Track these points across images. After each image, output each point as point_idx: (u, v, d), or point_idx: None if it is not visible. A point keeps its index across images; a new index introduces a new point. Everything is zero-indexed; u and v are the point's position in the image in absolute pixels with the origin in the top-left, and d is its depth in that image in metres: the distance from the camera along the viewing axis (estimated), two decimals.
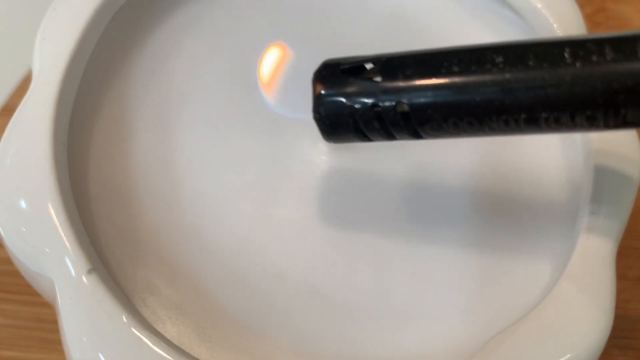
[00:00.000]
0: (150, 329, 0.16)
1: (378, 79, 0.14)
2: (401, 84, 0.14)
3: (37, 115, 0.17)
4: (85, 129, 0.19)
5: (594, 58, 0.12)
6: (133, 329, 0.15)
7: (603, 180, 0.17)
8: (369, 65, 0.15)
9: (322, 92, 0.15)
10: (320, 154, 0.19)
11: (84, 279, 0.15)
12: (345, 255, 0.18)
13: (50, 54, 0.18)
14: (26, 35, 0.19)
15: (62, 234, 0.16)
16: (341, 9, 0.21)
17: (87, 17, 0.18)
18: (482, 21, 0.21)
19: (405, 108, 0.14)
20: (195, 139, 0.19)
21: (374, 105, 0.14)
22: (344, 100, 0.15)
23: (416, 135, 0.15)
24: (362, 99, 0.15)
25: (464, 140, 0.19)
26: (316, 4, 0.21)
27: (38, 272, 0.16)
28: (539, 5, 0.19)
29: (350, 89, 0.15)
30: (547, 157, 0.19)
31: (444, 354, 0.17)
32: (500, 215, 0.19)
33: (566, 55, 0.13)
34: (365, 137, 0.15)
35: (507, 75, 0.13)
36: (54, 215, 0.16)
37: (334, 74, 0.15)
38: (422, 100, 0.14)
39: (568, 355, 0.15)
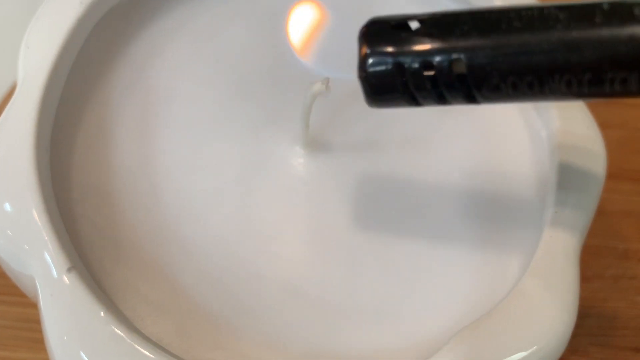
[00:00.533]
0: (129, 327, 0.16)
1: (431, 36, 0.13)
2: (458, 40, 0.13)
3: (20, 121, 0.17)
4: (68, 133, 0.19)
5: None
6: (113, 327, 0.16)
7: (568, 175, 0.18)
8: (417, 24, 0.14)
9: (370, 48, 0.14)
10: (297, 157, 0.20)
11: (64, 277, 0.16)
12: (321, 255, 0.19)
13: (34, 62, 0.18)
14: (13, 45, 0.19)
15: (44, 234, 0.16)
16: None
17: (69, 26, 0.19)
18: None
19: (462, 67, 0.13)
20: (175, 143, 0.20)
21: (427, 63, 0.14)
22: (394, 57, 0.14)
23: (471, 98, 0.14)
24: (414, 57, 0.14)
25: (435, 141, 0.20)
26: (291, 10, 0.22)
27: (21, 271, 0.17)
28: None
29: (402, 46, 0.14)
30: (517, 152, 0.20)
31: (415, 348, 0.17)
32: (470, 212, 0.19)
33: (637, 12, 0.12)
34: (414, 100, 0.14)
35: (573, 31, 0.13)
36: (37, 217, 0.17)
37: (383, 30, 0.14)
38: (481, 57, 0.13)
39: (534, 347, 0.16)
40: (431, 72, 0.14)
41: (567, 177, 0.18)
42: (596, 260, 0.25)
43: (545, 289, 0.16)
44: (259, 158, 0.20)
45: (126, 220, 0.19)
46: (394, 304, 0.18)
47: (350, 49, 0.15)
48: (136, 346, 0.16)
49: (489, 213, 0.19)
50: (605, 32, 0.12)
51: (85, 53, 0.20)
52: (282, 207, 0.19)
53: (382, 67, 0.14)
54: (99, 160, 0.19)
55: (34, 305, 0.17)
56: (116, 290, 0.18)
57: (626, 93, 0.13)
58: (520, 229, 0.19)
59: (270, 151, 0.20)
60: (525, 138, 0.20)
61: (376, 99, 0.15)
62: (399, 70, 0.14)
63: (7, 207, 0.17)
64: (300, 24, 0.17)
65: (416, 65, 0.14)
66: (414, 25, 0.14)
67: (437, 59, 0.13)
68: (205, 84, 0.21)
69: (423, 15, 0.14)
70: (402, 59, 0.14)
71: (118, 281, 0.18)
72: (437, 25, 0.14)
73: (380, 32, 0.14)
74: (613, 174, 0.19)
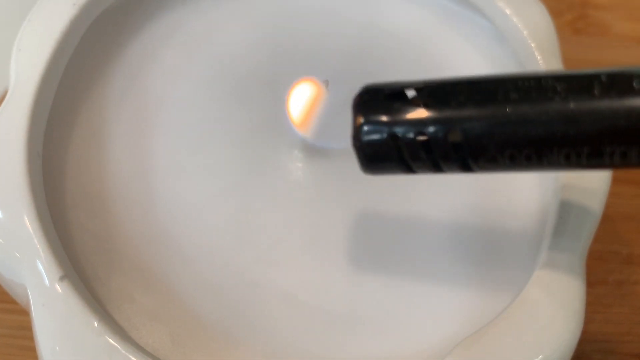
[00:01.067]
0: (124, 337, 0.16)
1: (427, 105, 0.13)
2: (454, 111, 0.13)
3: (11, 126, 0.17)
4: (61, 138, 0.19)
5: None
6: (107, 337, 0.15)
7: (570, 187, 0.17)
8: (413, 92, 0.14)
9: (364, 118, 0.14)
10: (295, 162, 0.19)
11: (57, 286, 0.16)
12: (320, 262, 0.18)
13: (26, 65, 0.18)
14: (5, 48, 0.19)
15: (36, 241, 0.16)
16: (316, 20, 0.22)
17: (62, 29, 0.18)
18: (454, 27, 0.21)
19: (458, 138, 0.13)
20: (170, 148, 0.19)
21: (422, 134, 0.13)
22: (388, 128, 0.14)
23: (467, 168, 0.14)
24: (409, 127, 0.14)
25: None
26: (291, 14, 0.22)
27: (12, 279, 0.16)
28: (508, 12, 0.20)
29: (396, 116, 0.14)
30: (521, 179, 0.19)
31: (416, 358, 0.17)
32: (475, 223, 0.19)
33: (635, 84, 0.12)
34: (408, 168, 0.14)
35: (571, 103, 0.12)
36: (28, 224, 0.16)
37: (376, 99, 0.14)
38: (478, 129, 0.13)
39: (540, 356, 0.16)
40: (426, 142, 0.14)
41: (569, 185, 0.17)
42: (599, 265, 0.25)
43: (550, 296, 0.16)
44: (256, 163, 0.19)
45: (121, 226, 0.18)
46: (395, 312, 0.18)
47: (346, 119, 0.15)
48: (131, 357, 0.15)
49: (494, 222, 0.19)
50: (604, 104, 0.12)
51: (79, 56, 0.19)
52: (281, 213, 0.19)
53: (377, 137, 0.14)
54: (92, 165, 0.19)
55: (27, 313, 0.16)
56: (110, 299, 0.17)
57: (626, 165, 0.13)
58: (524, 240, 0.18)
59: (267, 156, 0.19)
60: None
61: (371, 167, 0.15)
62: (394, 140, 0.14)
63: None
64: (299, 101, 0.18)
65: (411, 135, 0.14)
66: (409, 94, 0.14)
67: (433, 129, 0.13)
68: (201, 88, 0.20)
69: (417, 83, 0.14)
70: (396, 129, 0.14)
71: (112, 290, 0.17)
72: (432, 95, 0.13)
73: (373, 101, 0.14)
74: (616, 177, 0.19)
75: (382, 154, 0.14)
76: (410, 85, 0.14)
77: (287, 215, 0.19)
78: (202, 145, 0.19)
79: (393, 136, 0.14)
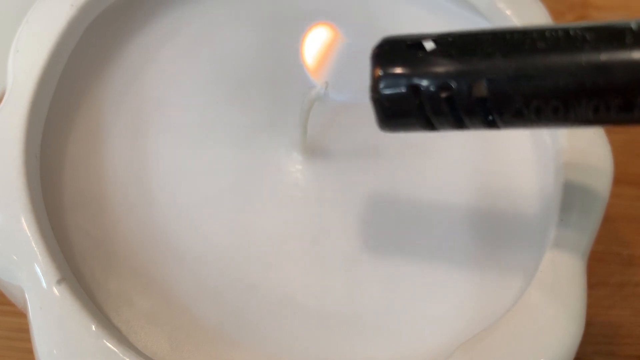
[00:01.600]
0: (122, 340, 0.16)
1: (450, 56, 0.13)
2: (480, 62, 0.13)
3: (9, 128, 0.17)
4: (59, 139, 0.19)
5: None
6: (105, 341, 0.15)
7: (573, 188, 0.17)
8: (434, 44, 0.13)
9: (384, 68, 0.13)
10: (294, 163, 0.19)
11: (54, 289, 0.16)
12: (320, 264, 0.18)
13: (23, 66, 0.18)
14: (3, 49, 0.19)
15: (33, 244, 0.16)
16: (314, 20, 0.21)
17: (60, 29, 0.18)
18: (454, 28, 0.21)
19: (483, 90, 0.13)
20: (170, 149, 0.19)
21: (445, 86, 0.13)
22: (409, 79, 0.13)
23: (491, 123, 0.13)
24: (431, 79, 0.13)
25: (436, 148, 0.20)
26: (291, 15, 0.21)
27: (9, 281, 0.16)
28: (508, 12, 0.19)
29: (419, 66, 0.13)
30: (521, 169, 0.19)
31: None
32: (474, 225, 0.19)
33: None
34: (429, 124, 0.13)
35: (602, 53, 0.12)
36: (26, 227, 0.16)
37: (398, 49, 0.13)
38: (503, 79, 0.12)
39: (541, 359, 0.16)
40: (449, 96, 0.13)
41: (572, 187, 0.17)
42: (600, 266, 0.25)
43: (551, 300, 0.16)
44: (255, 164, 0.19)
45: (119, 228, 0.18)
46: (394, 315, 0.17)
47: (363, 71, 0.14)
48: None
49: (492, 224, 0.19)
50: (636, 53, 0.12)
51: (77, 57, 0.19)
52: (280, 215, 0.19)
53: (397, 90, 0.13)
54: (91, 167, 0.19)
55: (25, 315, 0.16)
56: (109, 302, 0.17)
57: None
58: (523, 242, 0.18)
59: (267, 157, 0.19)
60: (529, 148, 0.20)
61: (389, 122, 0.14)
62: (415, 93, 0.13)
63: None
64: (314, 45, 0.17)
65: (433, 88, 0.13)
66: (430, 45, 0.13)
67: (457, 81, 0.13)
68: (201, 89, 0.20)
69: (439, 34, 0.13)
70: (418, 81, 0.13)
71: (111, 292, 0.17)
72: (455, 45, 0.13)
73: (394, 52, 0.13)
74: (617, 178, 0.19)
75: (402, 108, 0.13)
76: (433, 36, 0.13)
77: (286, 217, 0.19)
78: (201, 147, 0.19)
79: (414, 89, 0.13)
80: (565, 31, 0.12)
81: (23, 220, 0.16)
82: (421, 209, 0.19)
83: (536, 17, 0.20)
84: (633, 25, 0.12)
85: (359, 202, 0.19)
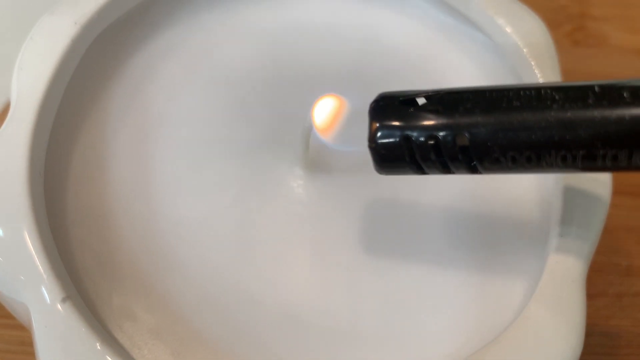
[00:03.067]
0: (126, 358, 0.16)
1: (437, 112, 0.15)
2: (462, 117, 0.14)
3: (13, 146, 0.17)
4: (63, 156, 0.19)
5: None
6: (109, 358, 0.15)
7: (573, 201, 0.17)
8: (424, 100, 0.15)
9: (380, 121, 0.15)
10: (296, 179, 0.19)
11: (59, 307, 0.16)
12: (322, 279, 0.18)
13: (27, 84, 0.18)
14: (7, 64, 0.19)
15: (38, 262, 0.16)
16: (317, 35, 0.22)
17: (64, 47, 0.18)
18: (453, 42, 0.21)
19: (465, 141, 0.14)
20: (172, 164, 0.19)
21: (432, 137, 0.15)
22: (401, 130, 0.15)
23: (473, 169, 0.15)
24: (420, 131, 0.15)
25: None
26: (292, 30, 0.22)
27: (13, 297, 0.16)
28: (508, 30, 0.20)
29: (409, 121, 0.15)
30: (520, 182, 0.19)
31: None
32: (474, 237, 0.19)
33: (625, 95, 0.13)
34: (420, 169, 0.15)
35: (568, 111, 0.14)
36: (30, 244, 0.16)
37: (391, 105, 0.15)
38: (483, 133, 0.14)
39: None
40: (436, 145, 0.15)
41: (572, 202, 0.17)
42: (599, 277, 0.25)
43: (551, 314, 0.16)
44: (257, 180, 0.19)
45: (123, 244, 0.18)
46: (396, 330, 0.18)
47: (361, 127, 0.16)
48: None
49: (492, 236, 0.19)
50: (597, 112, 0.13)
51: (80, 74, 0.19)
52: (282, 230, 0.19)
53: (391, 140, 0.15)
54: (94, 183, 0.19)
55: (27, 328, 0.16)
56: (112, 318, 0.17)
57: (617, 168, 0.14)
58: (524, 256, 0.18)
59: (269, 173, 0.19)
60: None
61: (384, 166, 0.16)
62: (406, 143, 0.15)
63: (0, 232, 0.16)
64: (323, 111, 0.18)
65: (422, 138, 0.15)
66: (420, 101, 0.15)
67: (442, 133, 0.15)
68: (202, 104, 0.20)
69: (428, 91, 0.15)
70: (409, 133, 0.15)
71: (114, 307, 0.17)
72: (442, 102, 0.15)
73: (388, 107, 0.15)
74: (615, 188, 0.19)
75: (395, 155, 0.15)
76: (422, 93, 0.15)
77: (288, 232, 0.19)
78: (203, 162, 0.19)
79: (406, 139, 0.15)
80: (537, 91, 0.14)
81: (27, 238, 0.16)
82: (422, 224, 0.19)
83: (533, 32, 0.20)
84: (596, 88, 0.14)
85: (361, 217, 0.19)
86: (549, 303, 0.16)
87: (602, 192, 0.18)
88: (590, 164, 0.14)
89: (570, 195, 0.18)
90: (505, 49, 0.20)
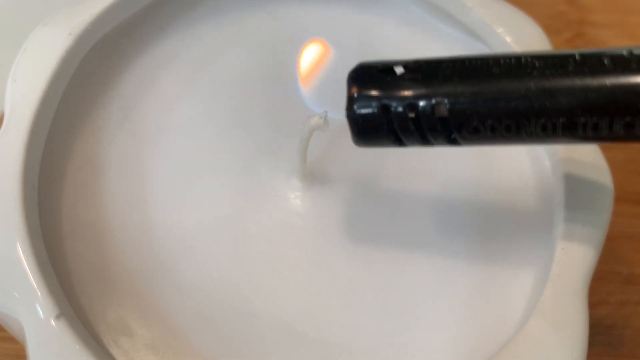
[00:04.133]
0: None
1: (416, 80, 0.14)
2: (441, 85, 0.14)
3: (6, 159, 0.17)
4: (58, 168, 0.19)
5: (634, 66, 0.13)
6: None
7: (574, 215, 0.17)
8: (403, 68, 0.15)
9: (358, 90, 0.15)
10: (293, 190, 0.19)
11: (53, 324, 0.15)
12: (319, 292, 0.18)
13: (21, 96, 0.18)
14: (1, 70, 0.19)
15: (32, 278, 0.16)
16: (316, 44, 0.21)
17: (58, 58, 0.18)
18: (451, 52, 0.21)
19: (444, 110, 0.14)
20: (168, 176, 0.19)
21: (411, 105, 0.14)
22: (380, 100, 0.15)
23: (452, 140, 0.15)
24: (399, 100, 0.14)
25: (434, 170, 0.20)
26: (290, 40, 0.21)
27: (7, 314, 0.16)
28: (508, 39, 0.19)
29: (388, 89, 0.14)
30: (520, 193, 0.19)
31: None
32: (473, 245, 0.19)
33: (606, 62, 0.13)
34: (398, 140, 0.15)
35: (548, 78, 0.13)
36: (24, 260, 0.16)
37: (370, 73, 0.15)
38: (462, 102, 0.14)
39: None
40: (414, 115, 0.14)
41: (573, 213, 0.17)
42: (600, 285, 0.25)
43: (553, 329, 0.16)
44: (254, 191, 0.19)
45: (118, 257, 0.18)
46: (395, 345, 0.17)
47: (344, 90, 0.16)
48: None
49: (492, 245, 0.19)
50: (578, 80, 0.13)
51: (75, 85, 0.19)
52: (279, 242, 0.19)
53: (369, 109, 0.15)
54: (89, 195, 0.19)
55: None
56: (108, 333, 0.17)
57: (598, 138, 0.14)
58: (524, 268, 0.18)
59: (266, 184, 0.19)
60: (529, 170, 0.20)
61: (362, 138, 0.15)
62: (385, 112, 0.15)
63: None
64: (309, 57, 0.18)
65: (400, 108, 0.14)
66: (399, 70, 0.15)
67: (421, 102, 0.14)
68: (199, 115, 0.20)
69: (407, 61, 0.15)
70: (387, 102, 0.14)
71: (109, 322, 0.17)
72: (420, 70, 0.14)
73: (367, 75, 0.15)
74: (615, 196, 0.19)
75: (373, 125, 0.15)
76: (401, 62, 0.15)
77: (285, 244, 0.19)
78: (200, 173, 0.19)
79: (384, 108, 0.15)
80: (517, 59, 0.14)
81: (21, 253, 0.16)
82: (421, 233, 0.19)
83: (533, 42, 0.20)
84: (577, 56, 0.13)
85: (359, 229, 0.19)
86: (550, 318, 0.16)
87: (603, 205, 0.17)
88: (570, 132, 0.14)
89: (571, 208, 0.17)
90: None
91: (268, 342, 0.17)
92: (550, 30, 0.21)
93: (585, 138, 0.14)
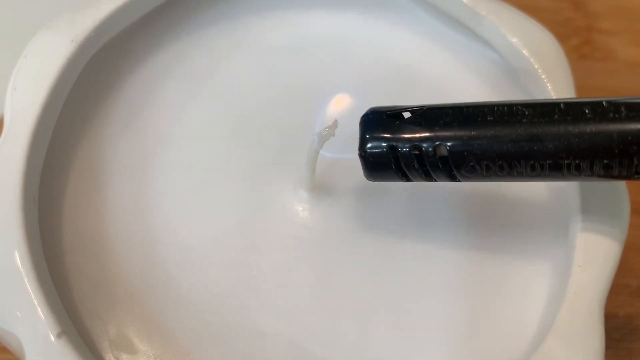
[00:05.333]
0: None
1: (420, 125, 0.16)
2: (442, 130, 0.16)
3: (6, 171, 0.16)
4: (58, 180, 0.18)
5: (611, 115, 0.15)
6: None
7: (589, 235, 0.17)
8: (409, 114, 0.17)
9: (369, 133, 0.17)
10: (301, 202, 0.19)
11: (54, 342, 0.15)
12: (327, 308, 0.18)
13: (21, 105, 0.17)
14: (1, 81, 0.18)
15: (32, 295, 0.15)
16: (322, 51, 0.21)
17: (60, 65, 0.18)
18: (464, 61, 0.21)
19: (444, 151, 0.16)
20: (172, 187, 0.19)
21: (415, 147, 0.16)
22: (388, 141, 0.16)
23: (452, 177, 0.16)
24: (405, 141, 0.16)
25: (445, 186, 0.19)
26: (297, 46, 0.21)
27: (6, 329, 0.15)
28: (521, 48, 0.19)
29: (395, 132, 0.16)
30: (535, 212, 0.19)
31: None
32: (483, 257, 0.18)
33: (587, 111, 0.15)
34: (404, 176, 0.17)
35: (536, 125, 0.15)
36: (24, 276, 0.15)
37: (380, 118, 0.17)
38: (460, 144, 0.16)
39: None
40: (419, 154, 0.16)
41: (590, 223, 0.17)
42: (609, 298, 0.24)
43: (570, 350, 0.15)
44: (260, 203, 0.19)
45: (120, 271, 0.17)
46: None
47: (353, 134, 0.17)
48: None
49: (506, 258, 0.18)
50: (562, 127, 0.15)
51: (77, 94, 0.19)
52: (286, 256, 0.18)
53: (378, 149, 0.17)
54: (91, 207, 0.18)
55: None
56: (110, 349, 0.17)
57: (581, 177, 0.15)
58: (537, 277, 0.18)
59: (273, 195, 0.19)
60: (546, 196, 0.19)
61: (373, 173, 0.17)
62: (392, 152, 0.16)
63: None
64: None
65: (406, 148, 0.16)
66: (406, 114, 0.17)
67: (424, 144, 0.16)
68: (204, 123, 0.20)
69: (413, 106, 0.17)
70: (394, 143, 0.16)
71: (112, 338, 0.17)
72: (424, 116, 0.16)
73: (377, 120, 0.17)
74: None
75: (382, 162, 0.17)
76: (407, 108, 0.17)
77: (292, 258, 0.18)
78: (204, 184, 0.19)
79: (392, 148, 0.16)
80: (510, 107, 0.16)
81: (21, 269, 0.15)
82: (430, 245, 0.18)
83: (546, 51, 0.19)
84: (561, 105, 0.15)
85: (368, 242, 0.18)
86: (566, 338, 0.16)
87: (619, 224, 0.17)
88: (556, 172, 0.15)
89: (587, 228, 0.17)
90: (517, 66, 0.20)
91: (273, 359, 0.17)
92: (558, 37, 0.21)
93: (570, 177, 0.16)
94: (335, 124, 0.17)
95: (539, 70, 0.19)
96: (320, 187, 0.19)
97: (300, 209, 0.19)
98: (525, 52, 0.19)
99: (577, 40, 0.31)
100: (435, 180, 0.17)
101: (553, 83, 0.19)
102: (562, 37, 0.30)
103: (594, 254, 0.17)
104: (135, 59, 0.20)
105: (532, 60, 0.19)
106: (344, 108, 0.19)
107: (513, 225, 0.19)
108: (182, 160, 0.19)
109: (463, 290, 0.18)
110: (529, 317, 0.17)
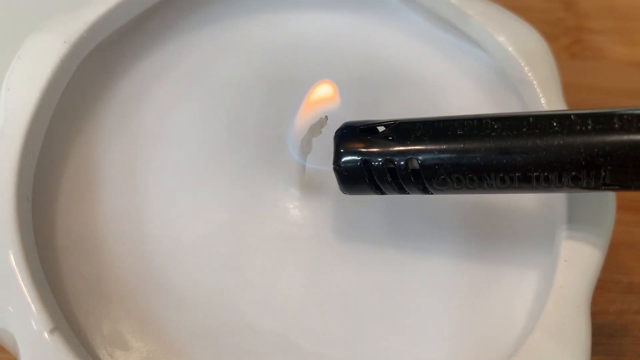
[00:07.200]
0: None
1: (392, 139, 0.16)
2: (413, 143, 0.16)
3: (0, 170, 0.17)
4: (52, 179, 0.18)
5: (578, 128, 0.15)
6: None
7: (575, 229, 0.17)
8: (382, 128, 0.17)
9: (343, 147, 0.17)
10: (291, 200, 0.19)
11: (47, 338, 0.15)
12: (319, 305, 0.18)
13: (15, 106, 0.17)
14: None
15: (25, 292, 0.15)
16: (312, 51, 0.21)
17: (53, 66, 0.18)
18: (452, 60, 0.21)
19: (416, 164, 0.16)
20: (164, 187, 0.19)
21: (388, 161, 0.16)
22: (361, 155, 0.17)
23: (424, 190, 0.17)
24: (378, 155, 0.16)
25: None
26: (288, 47, 0.21)
27: (1, 327, 0.16)
28: (508, 47, 0.19)
29: (368, 146, 0.17)
30: (524, 214, 0.19)
31: None
32: (473, 254, 0.18)
33: (554, 124, 0.15)
34: (378, 189, 0.17)
35: (505, 139, 0.15)
36: (17, 273, 0.16)
37: (353, 133, 0.17)
38: (431, 158, 0.16)
39: None
40: (391, 168, 0.16)
41: (575, 221, 0.17)
42: (600, 294, 0.25)
43: (556, 343, 0.16)
44: (252, 201, 0.19)
45: (113, 269, 0.18)
46: (396, 357, 0.17)
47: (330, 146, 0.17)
48: None
49: (493, 254, 0.19)
50: (530, 140, 0.15)
51: (69, 94, 0.19)
52: (277, 253, 0.18)
53: (352, 163, 0.17)
54: (84, 207, 0.18)
55: None
56: (103, 346, 0.17)
57: (550, 188, 0.16)
58: (525, 273, 0.18)
59: (263, 193, 0.19)
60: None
61: (347, 186, 0.17)
62: (366, 166, 0.17)
63: None
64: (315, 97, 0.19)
65: (379, 162, 0.17)
66: (380, 129, 0.17)
67: (396, 158, 0.16)
68: (196, 123, 0.20)
69: (386, 121, 0.17)
70: (368, 157, 0.17)
71: (106, 335, 0.17)
72: (397, 130, 0.17)
73: (351, 134, 0.17)
74: (617, 205, 0.18)
75: (356, 176, 0.17)
76: (381, 122, 0.17)
77: (284, 255, 0.18)
78: (196, 183, 0.19)
79: (365, 162, 0.17)
80: (479, 121, 0.16)
81: (15, 266, 0.16)
82: (421, 242, 0.19)
83: (534, 49, 0.20)
84: (530, 119, 0.15)
85: (358, 239, 0.19)
86: (553, 331, 0.16)
87: (605, 219, 0.17)
88: (526, 184, 0.16)
89: (573, 223, 0.17)
90: (505, 66, 0.20)
91: (265, 357, 0.17)
92: (548, 36, 0.21)
93: (540, 189, 0.16)
94: (324, 119, 0.17)
95: (525, 68, 0.19)
96: (311, 185, 0.19)
97: (291, 206, 0.19)
98: (512, 50, 0.19)
99: (568, 40, 0.31)
100: (408, 193, 0.17)
101: (539, 81, 0.19)
102: (553, 36, 0.31)
103: (579, 249, 0.17)
104: (127, 61, 0.20)
105: (518, 58, 0.19)
106: (333, 107, 0.20)
107: (502, 225, 0.19)
108: (174, 160, 0.19)
109: (451, 284, 0.18)
110: (517, 312, 0.18)
